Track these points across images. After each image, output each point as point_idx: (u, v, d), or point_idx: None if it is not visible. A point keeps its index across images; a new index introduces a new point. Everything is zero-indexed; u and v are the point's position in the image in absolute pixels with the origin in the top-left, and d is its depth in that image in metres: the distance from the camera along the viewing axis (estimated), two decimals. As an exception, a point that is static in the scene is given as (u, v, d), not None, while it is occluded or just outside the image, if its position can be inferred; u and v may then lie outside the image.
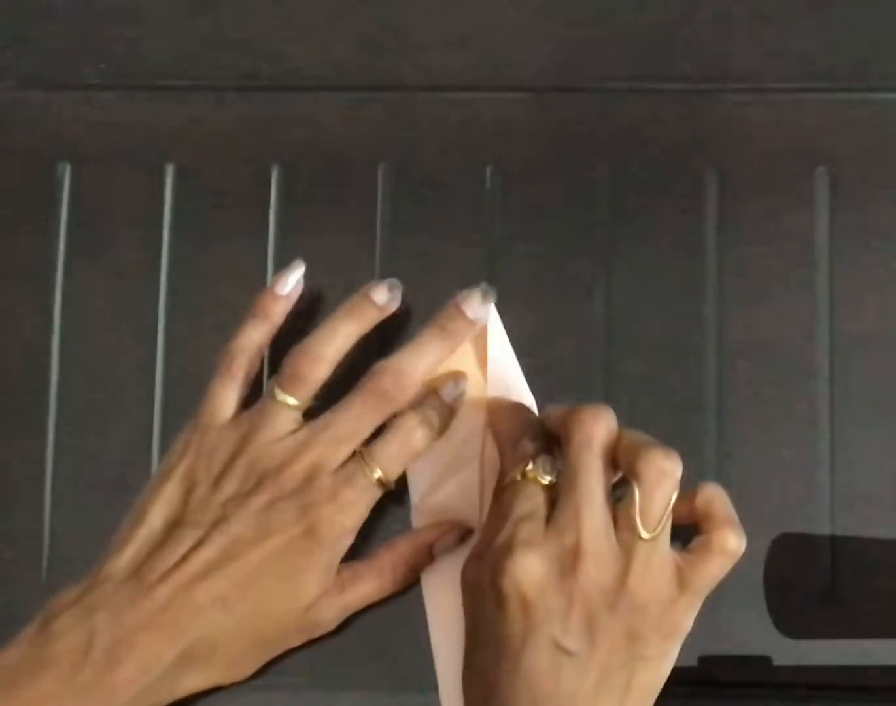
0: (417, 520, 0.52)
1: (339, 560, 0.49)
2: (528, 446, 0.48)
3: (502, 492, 0.47)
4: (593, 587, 0.44)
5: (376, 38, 0.57)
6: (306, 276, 0.53)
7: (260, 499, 0.47)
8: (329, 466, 0.48)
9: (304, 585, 0.48)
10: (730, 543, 0.45)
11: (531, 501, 0.46)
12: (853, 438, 0.53)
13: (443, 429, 0.50)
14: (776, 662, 0.52)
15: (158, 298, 0.55)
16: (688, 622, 0.46)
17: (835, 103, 0.55)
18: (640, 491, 0.44)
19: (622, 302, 0.54)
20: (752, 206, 0.55)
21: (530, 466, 0.46)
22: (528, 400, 0.53)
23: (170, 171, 0.56)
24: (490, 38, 0.56)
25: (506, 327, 0.54)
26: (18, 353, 0.55)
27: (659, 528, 0.45)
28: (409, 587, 0.51)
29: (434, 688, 0.51)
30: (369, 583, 0.50)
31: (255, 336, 0.51)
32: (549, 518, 0.45)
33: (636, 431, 0.47)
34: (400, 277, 0.54)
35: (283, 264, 0.54)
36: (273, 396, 0.49)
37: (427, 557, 0.51)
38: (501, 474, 0.48)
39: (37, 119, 0.56)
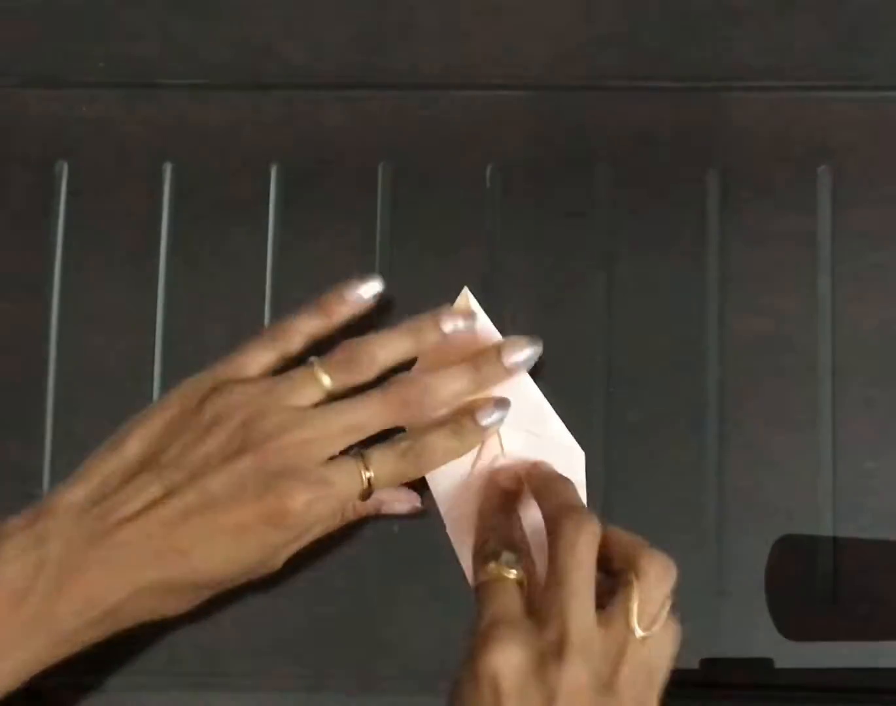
0: (450, 528, 0.52)
1: (299, 548, 0.48)
2: (492, 544, 0.48)
3: (477, 593, 0.47)
4: (580, 684, 0.43)
5: (376, 37, 0.57)
6: (306, 276, 0.53)
7: (243, 463, 0.46)
8: (323, 452, 0.47)
9: (264, 559, 0.47)
10: (676, 624, 0.45)
11: (503, 596, 0.45)
12: (855, 440, 0.53)
13: (465, 450, 0.50)
14: (778, 664, 0.52)
15: (157, 297, 0.55)
16: None
17: (837, 102, 0.55)
18: (640, 586, 0.44)
19: (622, 302, 0.54)
20: (753, 205, 0.55)
21: (493, 565, 0.46)
22: (536, 397, 0.53)
23: (168, 169, 0.56)
24: (490, 37, 0.56)
25: (506, 326, 0.53)
26: (16, 352, 0.55)
27: (654, 628, 0.44)
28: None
29: (434, 688, 0.51)
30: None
31: (309, 323, 0.50)
32: (530, 613, 0.45)
33: (628, 533, 0.47)
34: (400, 277, 0.54)
35: (282, 263, 0.54)
36: (311, 369, 0.48)
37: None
38: (474, 576, 0.48)
39: (35, 118, 0.56)
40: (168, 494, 0.46)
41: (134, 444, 0.47)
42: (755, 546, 0.53)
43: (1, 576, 0.44)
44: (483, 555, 0.47)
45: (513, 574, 0.46)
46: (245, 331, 0.54)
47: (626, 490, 0.53)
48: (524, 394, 0.52)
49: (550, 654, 0.43)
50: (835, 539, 0.52)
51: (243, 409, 0.47)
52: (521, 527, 0.50)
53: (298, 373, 0.49)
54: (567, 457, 0.51)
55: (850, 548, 0.52)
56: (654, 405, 0.54)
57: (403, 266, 0.55)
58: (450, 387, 0.49)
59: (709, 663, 0.52)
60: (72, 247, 0.55)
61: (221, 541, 0.46)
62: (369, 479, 0.47)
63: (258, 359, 0.49)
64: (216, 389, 0.47)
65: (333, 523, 0.50)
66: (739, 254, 0.54)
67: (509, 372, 0.51)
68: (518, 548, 0.48)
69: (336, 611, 0.53)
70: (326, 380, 0.48)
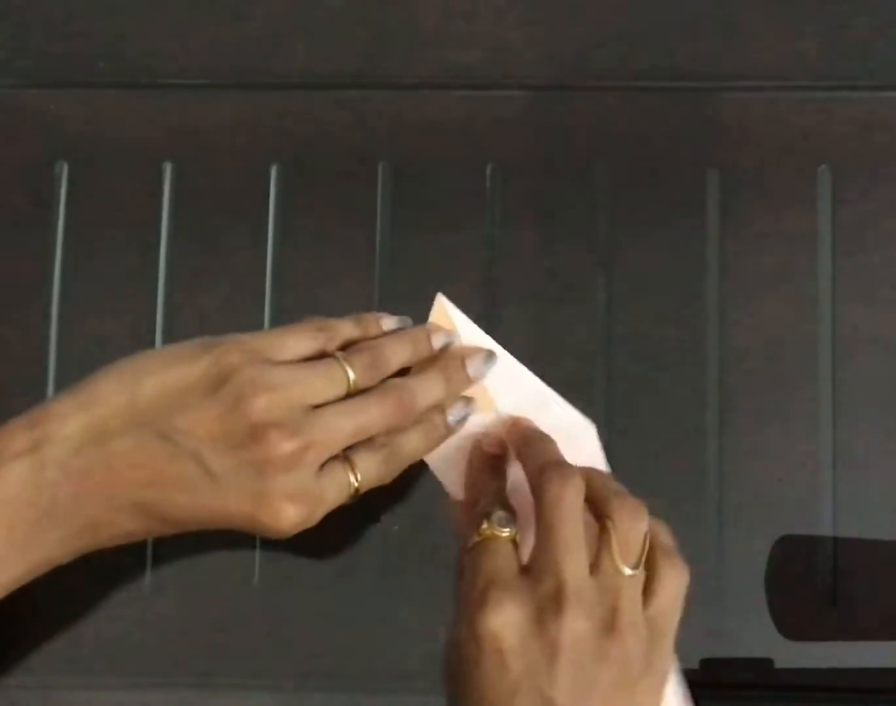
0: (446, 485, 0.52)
1: None
2: (484, 504, 0.48)
3: (469, 556, 0.47)
4: (581, 632, 0.43)
5: (376, 38, 0.57)
6: (306, 275, 0.53)
7: (250, 457, 0.45)
8: (325, 455, 0.47)
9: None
10: (678, 566, 0.46)
11: (497, 555, 0.46)
12: (855, 440, 0.53)
13: (433, 448, 0.50)
14: (777, 664, 0.52)
15: (157, 296, 0.55)
16: (668, 666, 0.45)
17: (837, 102, 0.55)
18: (616, 528, 0.45)
19: (622, 302, 0.54)
20: (753, 205, 0.55)
21: (485, 524, 0.46)
22: (535, 385, 0.53)
23: (168, 169, 0.56)
24: (491, 38, 0.56)
25: (506, 326, 0.54)
26: (17, 352, 0.55)
27: (640, 567, 0.45)
28: None
29: (434, 689, 0.51)
30: None
31: (349, 330, 0.50)
32: (524, 570, 0.45)
33: (604, 477, 0.48)
34: (400, 276, 0.54)
35: (282, 262, 0.54)
36: (339, 364, 0.48)
37: None
38: (465, 539, 0.48)
39: (36, 118, 0.56)
40: (170, 457, 0.45)
41: (149, 389, 0.46)
42: (755, 546, 0.53)
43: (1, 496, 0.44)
44: (475, 516, 0.47)
45: (506, 532, 0.46)
46: (244, 331, 0.54)
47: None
48: (523, 384, 0.52)
49: (548, 608, 0.43)
50: (835, 539, 0.52)
51: (267, 397, 0.46)
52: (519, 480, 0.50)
53: (328, 367, 0.48)
54: (579, 433, 0.51)
55: (851, 549, 0.52)
56: (653, 405, 0.54)
57: (403, 266, 0.55)
58: (431, 394, 0.50)
59: (709, 663, 0.52)
60: (72, 247, 0.55)
61: (206, 518, 0.46)
62: (356, 489, 0.47)
63: (297, 345, 0.48)
64: (248, 364, 0.46)
65: None
66: (739, 253, 0.54)
67: (472, 381, 0.51)
68: (510, 506, 0.48)
69: (336, 612, 0.53)
70: (352, 378, 0.48)
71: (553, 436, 0.51)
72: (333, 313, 0.52)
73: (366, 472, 0.47)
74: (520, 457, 0.50)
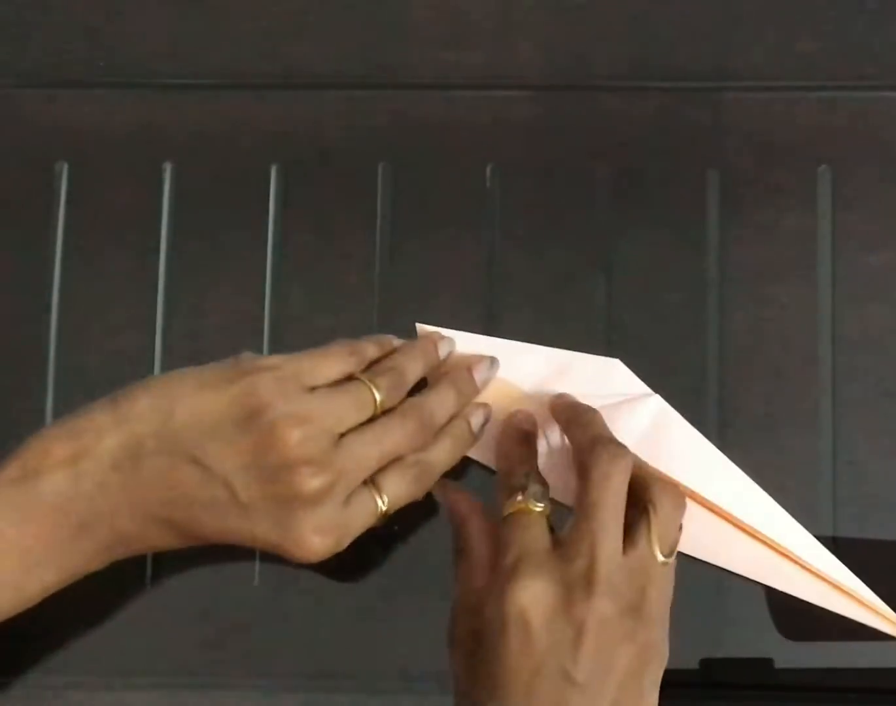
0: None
1: None
2: (519, 477, 0.48)
3: (501, 526, 0.47)
4: (609, 615, 0.44)
5: (376, 38, 0.57)
6: (306, 276, 0.54)
7: (278, 491, 0.45)
8: (355, 484, 0.47)
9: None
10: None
11: (530, 530, 0.46)
12: (855, 440, 0.53)
13: (460, 457, 0.50)
14: (778, 664, 0.52)
15: (157, 297, 0.55)
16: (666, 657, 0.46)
17: (836, 102, 0.55)
18: (657, 515, 0.45)
19: (622, 302, 0.54)
20: (753, 205, 0.55)
21: (520, 497, 0.47)
22: (550, 357, 0.53)
23: (168, 169, 0.56)
24: (490, 38, 0.56)
25: (506, 326, 0.54)
26: (16, 352, 0.55)
27: (674, 555, 0.45)
28: None
29: (434, 689, 0.51)
30: None
31: (372, 351, 0.50)
32: (556, 546, 0.45)
33: (645, 462, 0.48)
34: (400, 277, 0.54)
35: (282, 263, 0.54)
36: (368, 387, 0.48)
37: None
38: (498, 508, 0.48)
39: (36, 118, 0.56)
40: (200, 482, 0.45)
41: (182, 414, 0.46)
42: (755, 545, 0.53)
43: (40, 505, 0.45)
44: (509, 488, 0.48)
45: (539, 507, 0.47)
46: (245, 331, 0.54)
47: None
48: (538, 360, 0.53)
49: (578, 588, 0.44)
50: (835, 539, 0.52)
51: (299, 431, 0.46)
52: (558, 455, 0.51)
53: (358, 393, 0.48)
54: (609, 376, 0.52)
55: (851, 548, 0.52)
56: (654, 405, 0.54)
57: (403, 266, 0.55)
58: (446, 409, 0.50)
59: (709, 663, 0.52)
60: (72, 247, 0.55)
61: (233, 539, 0.46)
62: (384, 512, 0.48)
63: (330, 371, 0.48)
64: (282, 396, 0.46)
65: None
66: (739, 254, 0.54)
67: (481, 388, 0.52)
68: (544, 480, 0.48)
69: (336, 611, 0.53)
70: (380, 400, 0.48)
71: (588, 387, 0.52)
72: (333, 313, 0.52)
73: (394, 494, 0.48)
74: (567, 428, 0.50)
